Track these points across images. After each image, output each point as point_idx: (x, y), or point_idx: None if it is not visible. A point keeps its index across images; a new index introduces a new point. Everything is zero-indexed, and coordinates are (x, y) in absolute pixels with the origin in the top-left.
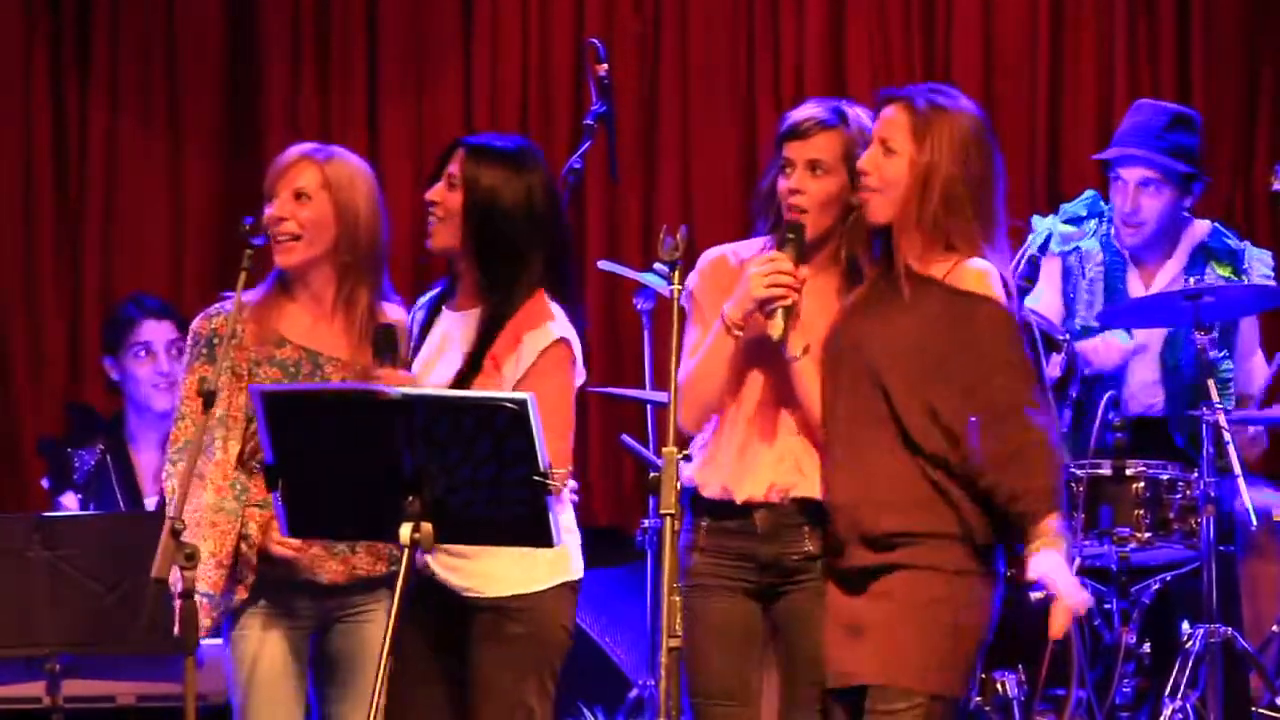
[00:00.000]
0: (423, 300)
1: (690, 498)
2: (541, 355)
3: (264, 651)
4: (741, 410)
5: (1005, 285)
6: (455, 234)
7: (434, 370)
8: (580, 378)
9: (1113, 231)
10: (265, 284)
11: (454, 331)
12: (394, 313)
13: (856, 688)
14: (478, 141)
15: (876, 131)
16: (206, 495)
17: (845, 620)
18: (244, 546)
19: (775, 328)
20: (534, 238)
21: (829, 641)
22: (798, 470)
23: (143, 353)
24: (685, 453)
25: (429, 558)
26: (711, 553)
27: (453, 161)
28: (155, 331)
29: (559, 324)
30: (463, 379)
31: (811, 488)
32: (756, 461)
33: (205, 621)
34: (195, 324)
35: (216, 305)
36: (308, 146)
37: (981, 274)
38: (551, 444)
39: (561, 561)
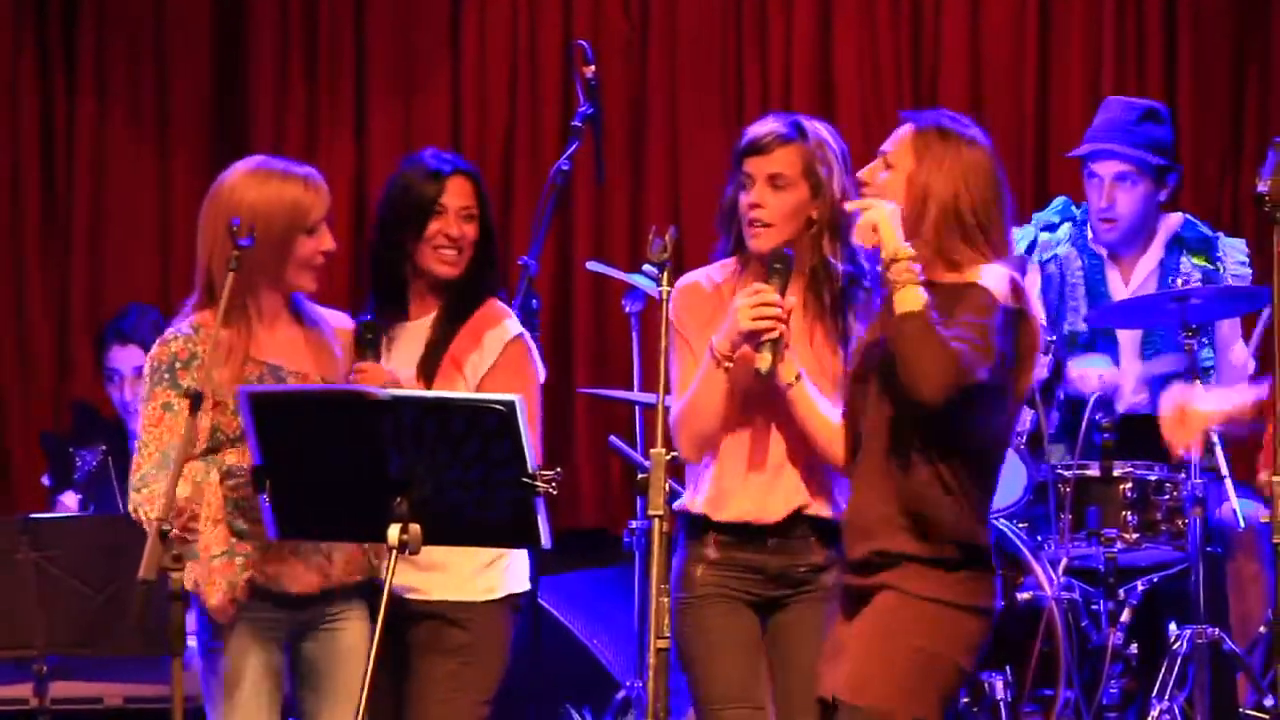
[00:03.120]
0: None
1: (694, 518)
2: (503, 352)
3: (240, 661)
4: (743, 437)
5: (1016, 289)
6: (466, 261)
7: (405, 380)
8: (542, 374)
9: (1089, 234)
10: (196, 303)
11: (411, 338)
12: (339, 319)
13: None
14: (474, 170)
15: (883, 147)
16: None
17: (837, 635)
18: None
19: (762, 361)
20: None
21: (823, 654)
22: (809, 495)
23: (112, 378)
24: (673, 453)
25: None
26: (721, 565)
27: (460, 193)
28: (120, 358)
29: (514, 321)
30: (423, 375)
31: (821, 508)
32: (769, 489)
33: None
34: (154, 352)
35: (171, 330)
36: (315, 171)
37: (993, 273)
38: None
39: (510, 573)
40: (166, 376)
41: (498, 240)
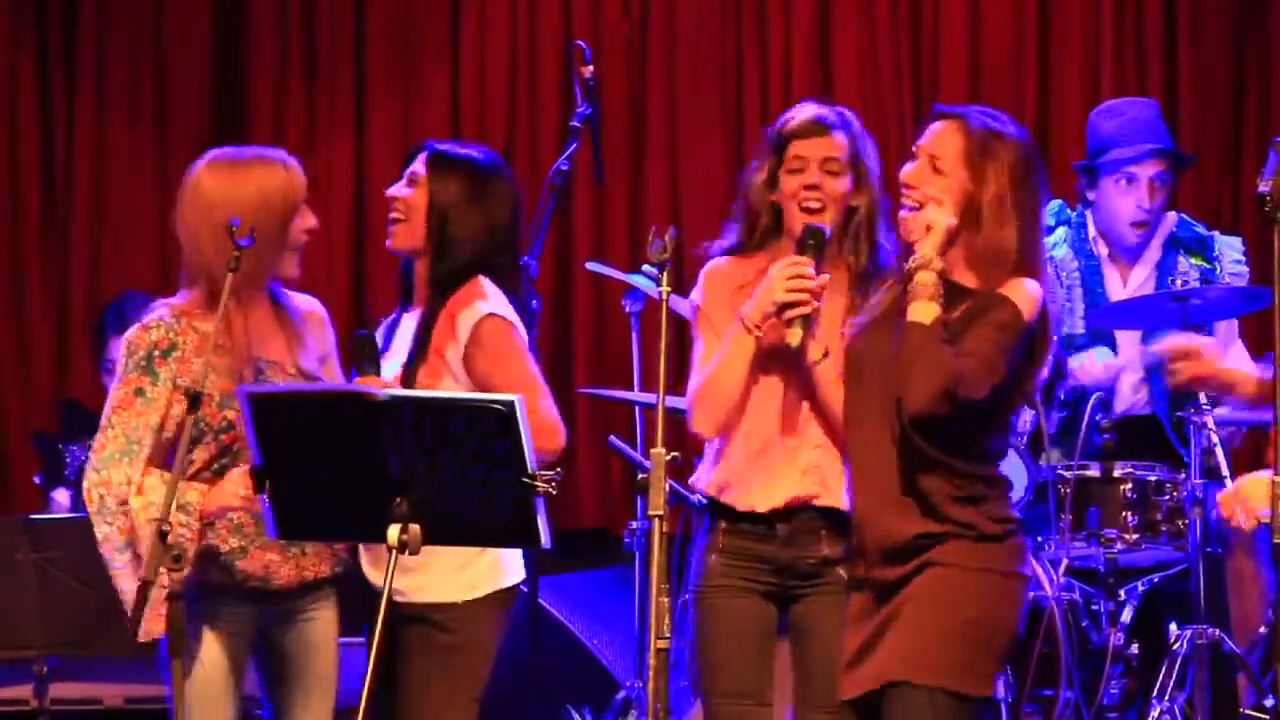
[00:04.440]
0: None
1: (708, 502)
2: (474, 330)
3: (204, 656)
4: (760, 420)
5: (1045, 309)
6: (413, 233)
7: (387, 367)
8: (526, 353)
9: (1091, 235)
10: (185, 293)
11: (406, 330)
12: (309, 303)
13: (872, 697)
14: (442, 147)
15: (925, 146)
16: (136, 504)
17: (866, 629)
18: (182, 517)
19: (794, 335)
20: (489, 247)
21: (845, 650)
22: (821, 483)
23: (112, 369)
24: (674, 453)
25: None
26: (729, 554)
27: (416, 162)
28: (119, 350)
29: (489, 302)
30: (409, 370)
31: (833, 498)
32: (779, 474)
33: (158, 627)
34: (131, 334)
35: (154, 315)
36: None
37: (1027, 295)
38: (532, 415)
39: (495, 569)
40: (143, 363)
41: (470, 232)
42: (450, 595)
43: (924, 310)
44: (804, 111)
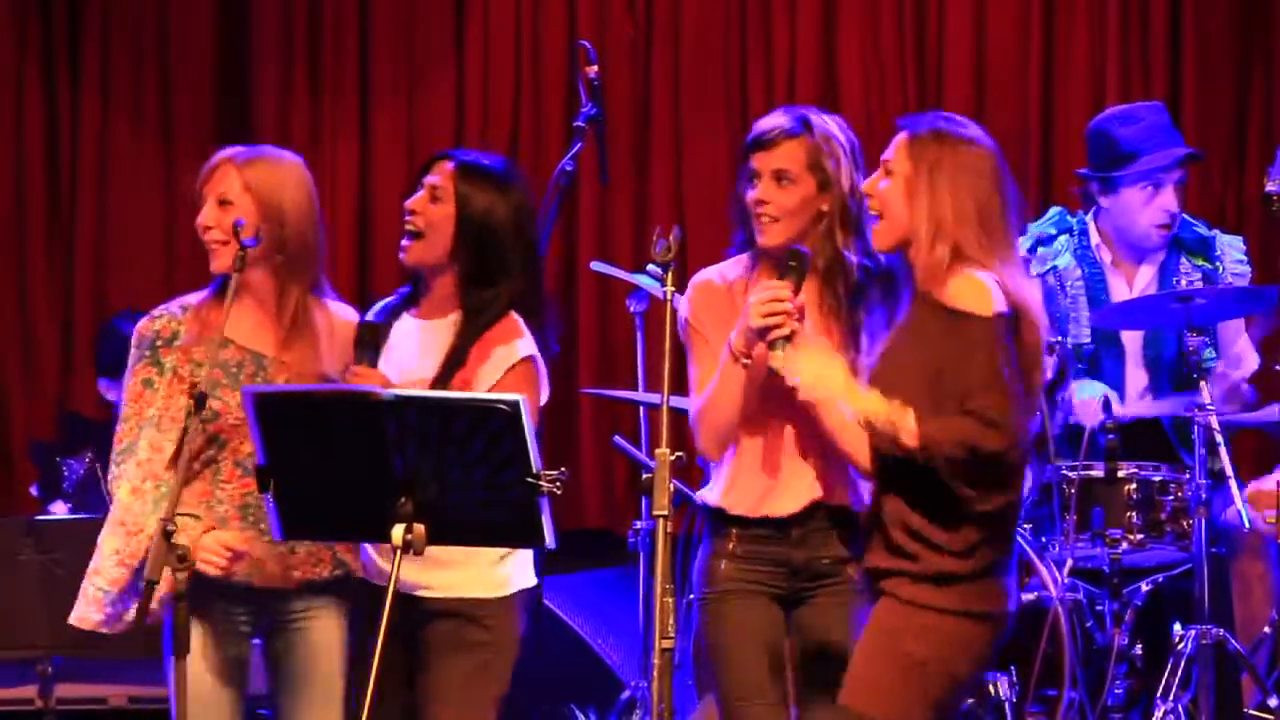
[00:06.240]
0: (377, 308)
1: (714, 511)
2: (508, 372)
3: (201, 657)
4: (760, 432)
5: (1010, 294)
6: (434, 249)
7: (407, 374)
8: (544, 397)
9: (1094, 243)
10: (211, 286)
11: (428, 338)
12: (344, 313)
13: None
14: (468, 158)
15: (883, 157)
16: (120, 492)
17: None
18: (173, 559)
19: (776, 359)
20: (518, 256)
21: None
22: (827, 485)
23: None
24: (678, 453)
25: (376, 556)
26: (744, 559)
27: (436, 174)
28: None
29: (527, 342)
30: (438, 384)
31: (841, 498)
32: (786, 481)
33: (97, 615)
34: (140, 325)
35: (161, 307)
36: (232, 150)
37: (976, 288)
38: None
39: (522, 567)
40: (148, 353)
41: (503, 242)
42: (486, 591)
43: (904, 422)
44: (764, 121)
